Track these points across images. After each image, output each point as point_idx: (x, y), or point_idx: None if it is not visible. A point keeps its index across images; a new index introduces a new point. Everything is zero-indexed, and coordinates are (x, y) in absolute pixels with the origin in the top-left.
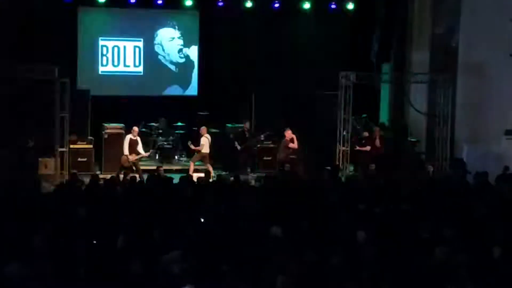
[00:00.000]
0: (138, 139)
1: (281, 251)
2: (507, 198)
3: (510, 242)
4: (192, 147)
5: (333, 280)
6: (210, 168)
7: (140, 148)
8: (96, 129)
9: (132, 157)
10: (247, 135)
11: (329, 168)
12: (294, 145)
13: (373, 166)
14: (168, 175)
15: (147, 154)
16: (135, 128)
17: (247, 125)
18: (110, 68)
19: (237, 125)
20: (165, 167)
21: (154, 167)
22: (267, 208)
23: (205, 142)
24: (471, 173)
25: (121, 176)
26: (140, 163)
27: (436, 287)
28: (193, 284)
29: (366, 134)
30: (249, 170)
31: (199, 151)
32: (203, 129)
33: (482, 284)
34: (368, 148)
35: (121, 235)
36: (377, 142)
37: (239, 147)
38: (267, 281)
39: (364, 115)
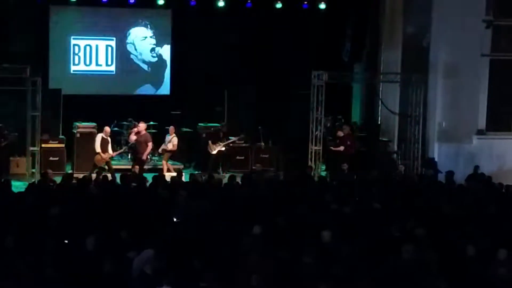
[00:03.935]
0: (109, 139)
1: (254, 250)
2: (477, 197)
3: (482, 241)
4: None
5: (306, 279)
6: (171, 167)
7: (109, 148)
8: (68, 128)
9: (106, 156)
10: (221, 136)
11: (301, 167)
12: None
13: (345, 166)
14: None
15: (119, 152)
16: (107, 129)
17: (224, 128)
18: (82, 67)
19: (209, 124)
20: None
21: (127, 167)
22: (239, 207)
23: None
24: (442, 172)
25: (94, 175)
26: (113, 162)
27: (407, 285)
28: (169, 285)
29: (340, 133)
30: (220, 170)
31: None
32: (172, 128)
33: (454, 281)
34: (342, 148)
35: (91, 235)
36: (346, 141)
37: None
38: (241, 279)
39: (339, 116)
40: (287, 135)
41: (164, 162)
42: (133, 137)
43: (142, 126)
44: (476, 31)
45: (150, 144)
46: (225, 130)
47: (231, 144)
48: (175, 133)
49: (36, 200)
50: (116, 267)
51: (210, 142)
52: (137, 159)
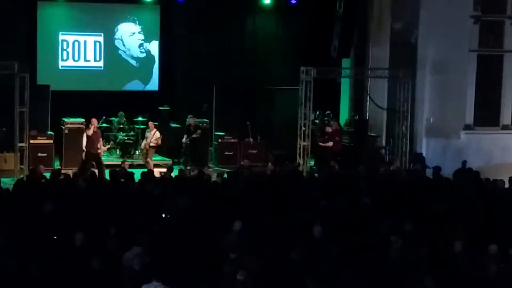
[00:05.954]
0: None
1: (242, 246)
2: (464, 192)
3: (470, 236)
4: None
5: (293, 275)
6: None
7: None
8: (56, 124)
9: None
10: (191, 130)
11: (289, 163)
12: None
13: (332, 163)
14: (129, 170)
15: (106, 148)
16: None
17: (192, 120)
18: (70, 62)
19: (197, 120)
20: (126, 162)
21: (116, 163)
22: (228, 203)
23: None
24: (430, 167)
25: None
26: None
27: (395, 281)
28: (159, 280)
29: (328, 129)
30: (190, 164)
31: None
32: (151, 124)
33: (442, 277)
34: (330, 144)
35: (79, 232)
36: (335, 137)
37: (183, 141)
38: (228, 275)
39: (328, 112)
40: (275, 130)
41: (149, 159)
42: (89, 133)
43: (96, 122)
44: (464, 27)
45: (101, 139)
46: (192, 123)
47: (219, 140)
48: (155, 128)
49: (25, 196)
50: (104, 264)
51: (185, 136)
52: (91, 155)
